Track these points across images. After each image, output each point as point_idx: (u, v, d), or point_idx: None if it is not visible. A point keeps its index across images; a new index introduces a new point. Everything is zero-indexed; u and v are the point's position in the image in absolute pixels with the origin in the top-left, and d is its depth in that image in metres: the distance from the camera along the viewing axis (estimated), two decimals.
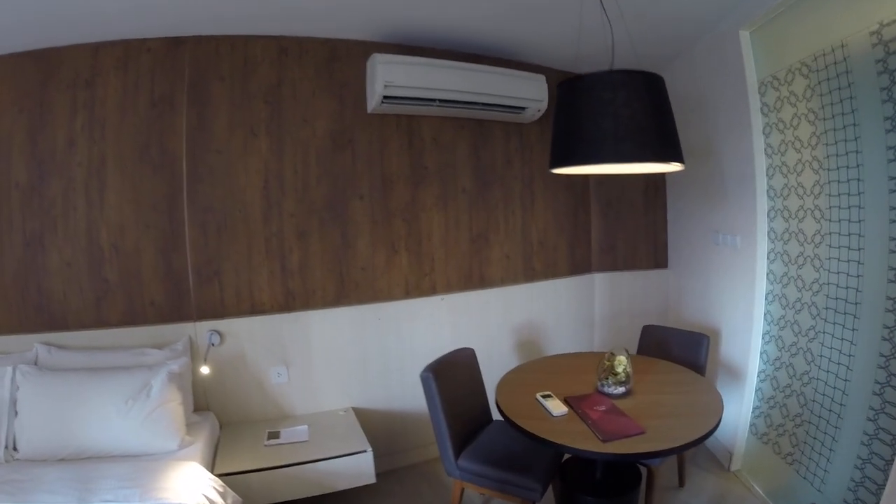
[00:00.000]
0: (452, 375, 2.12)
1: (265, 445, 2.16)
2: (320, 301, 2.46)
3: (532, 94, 2.65)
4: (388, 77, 2.30)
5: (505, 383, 2.11)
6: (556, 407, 1.84)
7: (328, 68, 2.47)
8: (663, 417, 1.80)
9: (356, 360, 2.59)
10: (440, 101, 2.46)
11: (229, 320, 2.34)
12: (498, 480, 1.94)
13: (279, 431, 2.27)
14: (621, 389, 1.94)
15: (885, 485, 1.73)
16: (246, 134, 2.36)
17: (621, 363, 1.95)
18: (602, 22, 1.89)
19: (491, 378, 2.20)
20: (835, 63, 1.93)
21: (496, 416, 2.02)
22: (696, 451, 2.82)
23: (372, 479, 2.15)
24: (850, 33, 1.84)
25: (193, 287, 2.29)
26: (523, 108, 2.70)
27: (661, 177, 3.56)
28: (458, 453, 2.01)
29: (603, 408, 1.84)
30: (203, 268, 2.31)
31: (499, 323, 3.00)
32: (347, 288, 2.51)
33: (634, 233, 3.55)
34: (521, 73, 2.62)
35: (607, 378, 1.96)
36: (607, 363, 1.98)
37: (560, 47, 2.71)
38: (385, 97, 2.35)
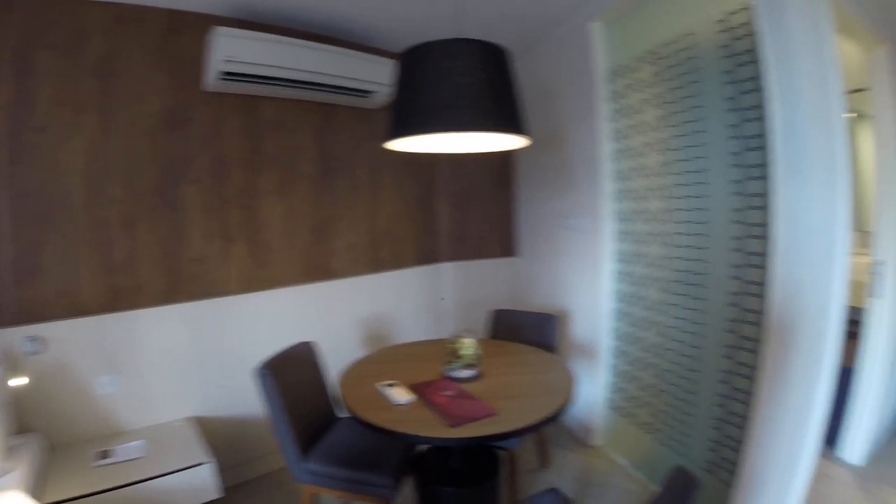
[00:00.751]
0: (292, 372, 2.40)
1: (95, 466, 2.30)
2: (150, 298, 2.73)
3: (381, 77, 3.15)
4: (229, 52, 2.56)
5: (348, 375, 2.40)
6: (401, 395, 2.09)
7: (167, 41, 2.72)
8: (514, 398, 2.11)
9: (192, 363, 2.90)
10: (284, 80, 2.85)
11: (49, 324, 2.46)
12: (348, 480, 2.19)
13: (112, 449, 2.45)
14: (470, 373, 2.29)
15: (744, 441, 2.32)
16: (72, 110, 2.52)
17: (467, 345, 2.32)
18: (455, 9, 2.40)
19: (339, 373, 2.52)
20: (681, 50, 2.56)
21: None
22: (557, 430, 3.67)
23: (215, 494, 2.38)
24: (696, 23, 2.45)
25: (9, 286, 2.39)
26: (371, 92, 3.22)
27: (510, 165, 4.41)
28: (304, 455, 2.26)
29: (450, 393, 2.13)
30: (19, 263, 2.41)
31: (345, 316, 3.53)
32: (180, 282, 2.82)
33: (484, 221, 4.31)
34: (370, 56, 3.11)
35: (454, 362, 2.32)
36: (453, 346, 2.34)
37: (411, 34, 3.27)
38: (225, 73, 2.66)
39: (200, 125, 2.84)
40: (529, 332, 3.15)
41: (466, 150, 2.38)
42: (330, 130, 3.40)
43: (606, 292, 3.29)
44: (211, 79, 2.71)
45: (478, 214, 4.31)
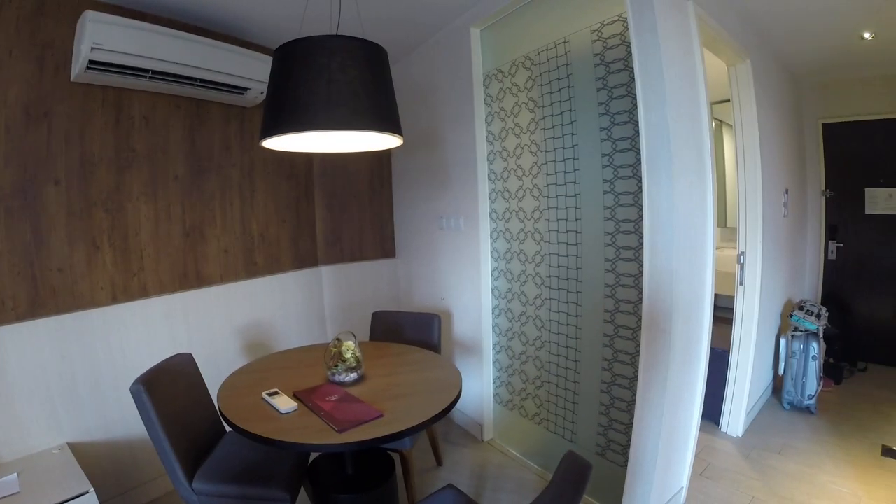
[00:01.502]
0: (171, 386, 2.52)
1: None
2: (10, 314, 2.79)
3: (257, 74, 3.45)
4: (97, 38, 2.69)
5: (227, 387, 2.58)
6: (285, 403, 2.28)
7: (32, 24, 2.81)
8: (401, 398, 2.36)
9: (63, 384, 2.99)
10: (154, 73, 3.04)
11: None
12: (241, 497, 2.33)
13: None
14: (353, 376, 2.55)
15: (631, 423, 2.72)
16: None
17: (349, 348, 2.58)
18: (333, 9, 2.86)
19: (218, 386, 2.70)
20: (556, 57, 2.97)
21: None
22: (448, 428, 4.17)
23: None
24: (572, 31, 2.85)
25: None
26: (246, 89, 3.51)
27: (386, 167, 4.87)
28: (191, 476, 2.36)
29: (335, 397, 2.35)
30: None
31: (222, 325, 3.77)
32: (43, 295, 2.90)
33: (360, 224, 4.75)
34: (246, 50, 3.40)
35: (337, 366, 2.56)
36: (334, 350, 2.59)
37: (289, 31, 3.59)
38: (92, 62, 2.79)
39: (63, 119, 2.95)
40: (411, 332, 3.55)
41: (341, 149, 2.64)
42: (203, 129, 3.64)
43: (486, 290, 3.80)
44: (77, 69, 2.83)
45: (354, 216, 4.73)
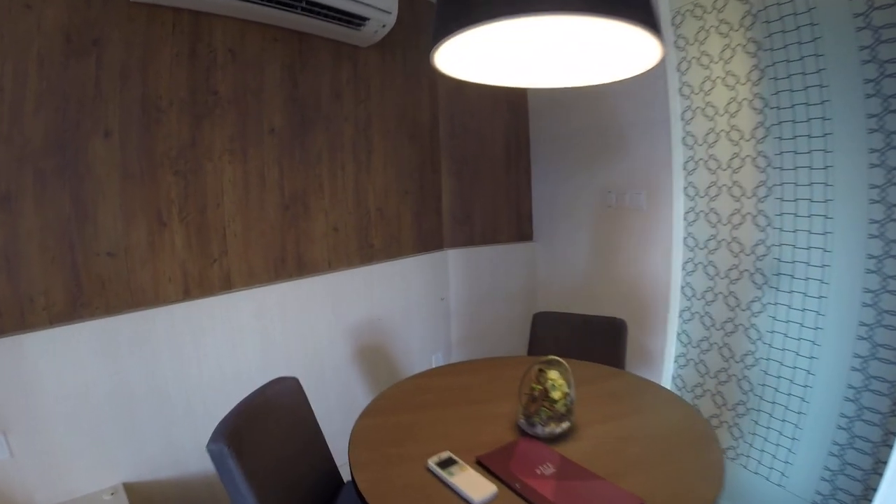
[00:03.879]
0: (268, 433, 1.73)
1: None
2: (42, 315, 1.96)
3: (380, 0, 2.53)
4: None
5: (361, 443, 1.66)
6: (474, 483, 1.38)
7: None
8: (645, 465, 1.50)
9: (117, 406, 2.17)
10: None
11: None
12: None
13: None
14: (564, 426, 1.64)
15: (872, 470, 2.11)
16: None
17: (559, 386, 1.63)
18: None
19: (327, 409, 2.04)
20: None
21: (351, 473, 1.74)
22: None
23: None
24: None
25: None
26: (364, 20, 2.57)
27: (523, 130, 3.76)
28: None
29: (551, 468, 1.45)
30: None
31: (329, 324, 2.88)
32: (88, 289, 2.06)
33: (494, 198, 3.70)
34: None
35: (539, 412, 1.63)
36: (537, 388, 1.65)
37: None
38: None
39: (119, 49, 2.08)
40: (588, 341, 2.63)
41: (559, 79, 1.65)
42: (307, 70, 2.72)
43: (674, 287, 2.89)
44: None
45: (487, 189, 3.70)
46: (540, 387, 1.65)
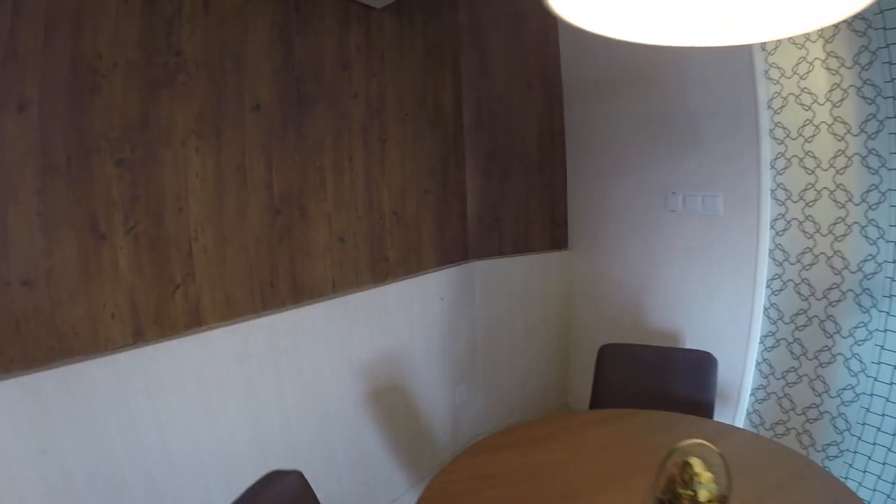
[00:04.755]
0: None
1: None
2: None
3: None
4: None
5: None
6: None
7: None
8: None
9: (49, 494, 1.44)
10: None
11: None
12: None
13: None
14: None
15: None
16: None
17: (705, 478, 1.16)
18: None
19: (339, 492, 1.38)
20: None
21: None
22: None
23: None
24: None
25: None
26: None
27: (557, 120, 3.08)
28: None
29: None
30: None
31: (335, 364, 2.19)
32: None
33: (527, 199, 3.06)
34: None
35: None
36: (686, 495, 1.15)
37: None
38: None
39: None
40: (666, 383, 2.08)
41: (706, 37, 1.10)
42: (306, 32, 2.04)
43: (757, 308, 2.38)
44: None
45: (518, 188, 3.03)
46: (689, 492, 1.12)
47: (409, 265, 2.50)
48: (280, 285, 1.98)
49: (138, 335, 1.64)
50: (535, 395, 3.23)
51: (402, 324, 2.48)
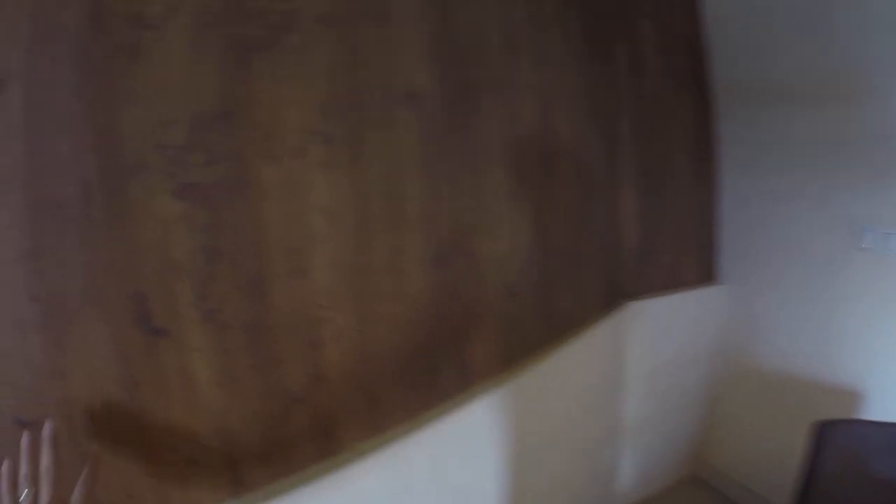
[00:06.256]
0: None
1: None
2: None
3: None
4: None
5: None
6: None
7: None
8: None
9: None
10: None
11: None
12: None
13: None
14: None
15: None
16: None
17: None
18: None
19: None
20: None
21: None
22: None
23: None
24: None
25: None
26: None
27: (711, 130, 2.14)
28: None
29: None
30: None
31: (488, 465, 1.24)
32: None
33: (678, 224, 2.08)
34: None
35: None
36: None
37: None
38: None
39: None
40: None
41: None
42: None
43: None
44: None
45: (670, 210, 2.09)
46: None
47: (574, 317, 1.58)
48: (443, 371, 1.10)
49: (238, 485, 0.79)
50: (673, 458, 2.25)
51: (559, 397, 1.56)
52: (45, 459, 0.55)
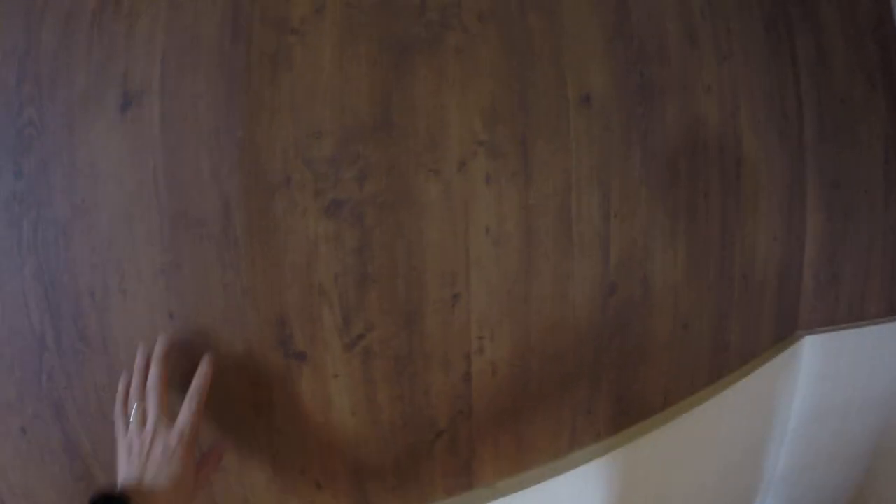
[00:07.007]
0: None
1: None
2: None
3: None
4: None
5: None
6: None
7: None
8: None
9: None
10: None
11: None
12: None
13: None
14: None
15: None
16: None
17: None
18: None
19: None
20: None
21: None
22: None
23: None
24: None
25: None
26: None
27: None
28: None
29: None
30: None
31: None
32: None
33: (869, 244, 1.66)
34: None
35: None
36: None
37: None
38: None
39: None
40: None
41: None
42: None
43: None
44: None
45: (860, 228, 1.67)
46: None
47: (746, 348, 1.29)
48: (599, 409, 0.88)
49: None
50: None
51: (724, 440, 1.27)
52: (153, 375, 0.50)
